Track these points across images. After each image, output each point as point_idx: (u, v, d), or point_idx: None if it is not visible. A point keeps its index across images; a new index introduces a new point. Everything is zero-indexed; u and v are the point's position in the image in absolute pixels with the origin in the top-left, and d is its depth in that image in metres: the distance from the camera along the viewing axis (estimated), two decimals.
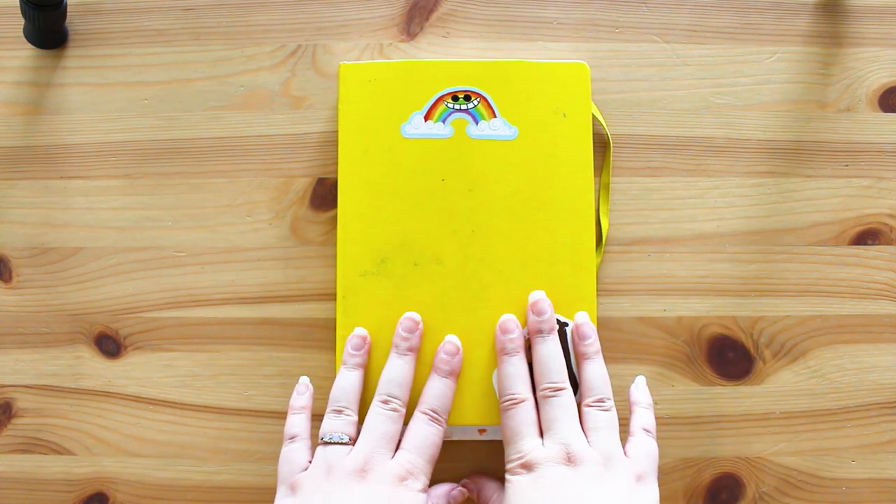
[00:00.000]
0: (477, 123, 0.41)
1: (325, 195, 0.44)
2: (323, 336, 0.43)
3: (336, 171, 0.44)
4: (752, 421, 0.43)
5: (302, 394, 0.40)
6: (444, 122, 0.41)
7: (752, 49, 0.45)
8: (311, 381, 0.41)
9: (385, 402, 0.36)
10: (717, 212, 0.44)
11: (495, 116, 0.41)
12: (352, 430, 0.36)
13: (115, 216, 0.44)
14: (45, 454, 0.43)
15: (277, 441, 0.43)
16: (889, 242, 0.44)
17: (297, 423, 0.38)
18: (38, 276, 0.44)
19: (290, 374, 0.43)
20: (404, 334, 0.39)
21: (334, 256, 0.43)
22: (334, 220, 0.44)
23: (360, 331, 0.40)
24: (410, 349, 0.38)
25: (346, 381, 0.38)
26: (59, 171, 0.45)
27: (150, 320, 0.44)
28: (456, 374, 0.39)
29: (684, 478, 0.43)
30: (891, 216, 0.44)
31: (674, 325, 0.43)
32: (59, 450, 0.43)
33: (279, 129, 0.44)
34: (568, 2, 0.45)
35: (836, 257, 0.44)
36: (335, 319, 0.41)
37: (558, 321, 0.39)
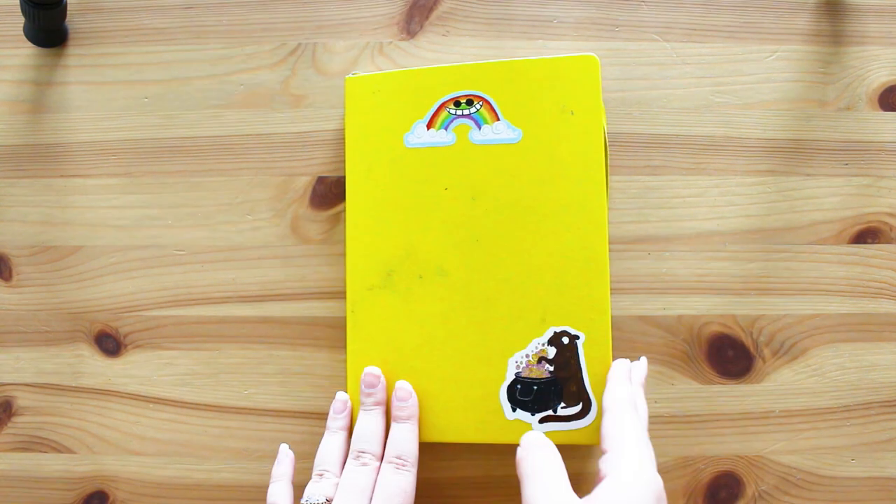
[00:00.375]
0: (479, 128, 0.40)
1: (325, 194, 0.44)
2: (323, 334, 0.43)
3: (337, 170, 0.44)
4: (751, 419, 0.43)
5: (281, 462, 0.39)
6: (446, 129, 0.40)
7: (752, 47, 0.45)
8: (290, 447, 0.40)
9: (356, 457, 0.37)
10: (716, 210, 0.44)
11: (498, 119, 0.40)
12: (331, 492, 0.37)
13: (115, 214, 0.44)
14: (45, 452, 0.44)
15: (277, 439, 0.43)
16: (889, 241, 0.44)
17: (277, 491, 0.38)
18: (38, 274, 0.44)
19: (290, 373, 0.43)
20: (367, 390, 0.39)
21: (334, 255, 0.43)
22: (334, 218, 0.44)
23: (342, 395, 0.40)
24: (376, 403, 0.39)
25: (330, 445, 0.39)
26: (60, 170, 0.45)
27: (150, 319, 0.44)
28: (414, 417, 0.38)
29: (684, 476, 0.43)
30: (890, 215, 0.44)
31: (674, 323, 0.43)
32: (59, 448, 0.43)
33: (279, 128, 0.44)
34: (568, 0, 0.45)
35: (836, 256, 0.44)
36: (343, 324, 0.41)
37: (569, 334, 0.38)
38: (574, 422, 0.38)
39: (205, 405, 0.43)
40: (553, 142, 0.39)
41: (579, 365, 0.38)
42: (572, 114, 0.39)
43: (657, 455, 0.43)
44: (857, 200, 0.44)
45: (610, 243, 0.43)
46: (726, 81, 0.44)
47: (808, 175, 0.44)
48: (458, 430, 0.39)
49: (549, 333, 0.38)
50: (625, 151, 0.44)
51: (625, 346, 0.43)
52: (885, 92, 0.44)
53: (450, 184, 0.40)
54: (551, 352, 0.38)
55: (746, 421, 0.43)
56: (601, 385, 0.38)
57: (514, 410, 0.39)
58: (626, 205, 0.44)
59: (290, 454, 0.40)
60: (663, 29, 0.45)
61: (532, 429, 0.38)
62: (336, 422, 0.39)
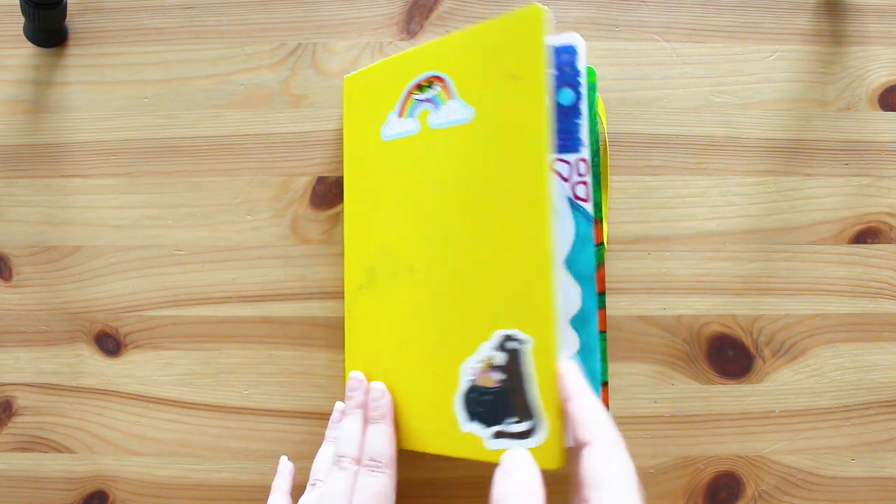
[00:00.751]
0: (438, 111, 0.36)
1: (324, 194, 0.44)
2: (323, 334, 0.43)
3: (336, 170, 0.44)
4: (751, 419, 0.43)
5: (280, 474, 0.40)
6: (412, 116, 0.37)
7: (752, 48, 0.45)
8: (289, 458, 0.41)
9: (336, 462, 0.36)
10: (716, 210, 0.44)
11: (452, 98, 0.35)
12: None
13: (115, 215, 0.44)
14: (45, 452, 0.43)
15: (277, 439, 0.43)
16: (889, 241, 0.44)
17: (275, 501, 0.38)
18: (38, 274, 0.44)
19: (289, 373, 0.43)
20: (349, 394, 0.39)
21: (334, 255, 0.43)
22: (334, 218, 0.44)
23: (339, 405, 0.40)
24: (357, 407, 0.38)
25: (323, 455, 0.38)
26: (60, 170, 0.45)
27: (150, 319, 0.44)
28: (388, 416, 0.37)
29: (684, 476, 0.43)
30: (890, 215, 0.44)
31: (674, 323, 0.43)
32: (59, 448, 0.43)
33: (279, 128, 0.44)
34: (568, 0, 0.45)
35: (836, 256, 0.44)
36: (342, 324, 0.41)
37: (516, 338, 0.33)
38: (525, 440, 0.32)
39: (205, 405, 0.43)
40: (501, 116, 0.33)
41: (527, 375, 0.32)
42: (517, 80, 0.33)
43: (657, 455, 0.43)
44: (857, 200, 0.44)
45: (610, 243, 0.43)
46: (726, 81, 0.44)
47: (808, 175, 0.44)
48: (419, 438, 0.36)
49: (496, 337, 0.33)
50: (625, 151, 0.44)
51: (625, 345, 0.43)
52: (885, 92, 0.44)
53: (414, 174, 0.37)
54: (500, 358, 0.33)
55: (746, 421, 0.43)
56: (550, 399, 0.31)
57: (468, 422, 0.34)
58: (626, 205, 0.44)
59: (289, 466, 0.40)
60: (663, 29, 0.45)
61: (483, 444, 0.34)
62: (332, 431, 0.39)
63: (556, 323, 0.31)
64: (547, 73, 0.32)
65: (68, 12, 0.45)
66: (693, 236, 0.44)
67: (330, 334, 0.43)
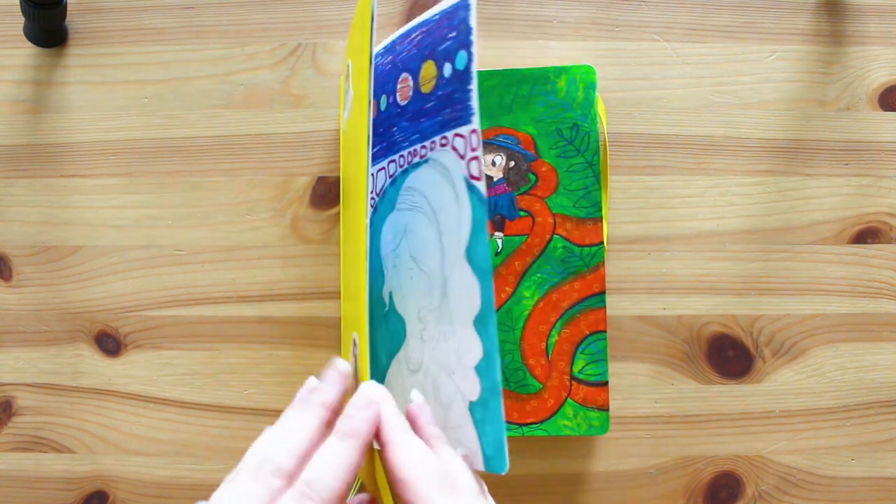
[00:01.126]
0: (350, 99, 0.34)
1: (324, 194, 0.44)
2: (323, 334, 0.43)
3: (336, 170, 0.44)
4: (751, 419, 0.43)
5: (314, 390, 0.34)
6: (347, 108, 0.35)
7: (752, 48, 0.45)
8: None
9: (257, 467, 0.25)
10: (716, 210, 0.44)
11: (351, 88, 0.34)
12: None
13: (115, 215, 0.44)
14: (45, 452, 0.43)
15: None
16: (889, 241, 0.44)
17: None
18: (38, 274, 0.44)
19: (290, 373, 0.43)
20: (322, 384, 0.29)
21: (334, 255, 0.43)
22: (334, 218, 0.44)
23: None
24: (321, 405, 0.28)
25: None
26: (60, 170, 0.45)
27: (150, 319, 0.44)
28: (362, 436, 0.25)
29: (684, 476, 0.43)
30: (890, 215, 0.44)
31: (674, 323, 0.43)
32: (59, 448, 0.43)
33: (279, 128, 0.44)
34: (568, 0, 0.45)
35: (836, 256, 0.44)
36: (338, 322, 0.41)
37: (355, 343, 0.30)
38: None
39: (205, 405, 0.43)
40: (356, 101, 0.31)
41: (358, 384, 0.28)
42: (361, 57, 0.30)
43: (657, 455, 0.43)
44: (857, 200, 0.44)
45: (610, 243, 0.43)
46: (726, 81, 0.44)
47: (808, 175, 0.44)
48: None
49: (353, 341, 0.30)
50: (625, 151, 0.44)
51: (625, 345, 0.43)
52: (885, 92, 0.44)
53: (342, 167, 0.36)
54: (352, 364, 0.30)
55: (746, 421, 0.43)
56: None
57: None
58: (626, 205, 0.44)
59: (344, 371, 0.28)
60: (663, 29, 0.45)
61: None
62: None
63: (365, 328, 0.27)
64: (369, 51, 0.28)
65: (68, 12, 0.45)
66: (693, 236, 0.44)
67: (330, 334, 0.43)
